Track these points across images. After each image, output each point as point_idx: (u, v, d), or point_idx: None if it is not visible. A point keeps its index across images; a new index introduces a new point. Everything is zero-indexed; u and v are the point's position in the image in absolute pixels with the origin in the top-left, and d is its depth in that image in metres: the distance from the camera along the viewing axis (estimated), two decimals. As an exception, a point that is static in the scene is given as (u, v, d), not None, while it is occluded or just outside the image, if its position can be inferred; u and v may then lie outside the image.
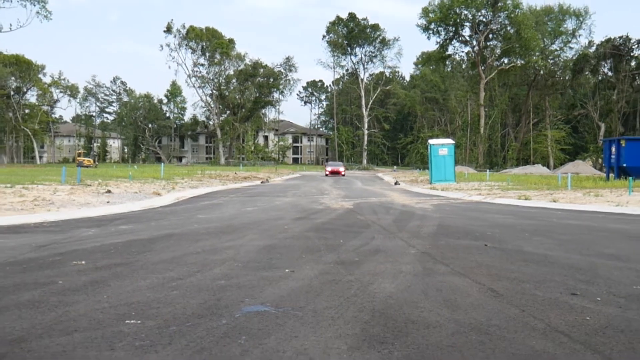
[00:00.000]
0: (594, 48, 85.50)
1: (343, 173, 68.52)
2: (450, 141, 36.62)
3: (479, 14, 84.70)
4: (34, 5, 72.36)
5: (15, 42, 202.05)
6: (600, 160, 63.85)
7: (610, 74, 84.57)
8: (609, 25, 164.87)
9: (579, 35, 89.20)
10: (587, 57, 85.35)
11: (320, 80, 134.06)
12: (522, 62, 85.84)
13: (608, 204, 16.44)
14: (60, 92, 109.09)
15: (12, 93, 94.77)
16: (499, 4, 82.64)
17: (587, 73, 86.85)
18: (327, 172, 67.99)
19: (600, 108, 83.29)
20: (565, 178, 28.86)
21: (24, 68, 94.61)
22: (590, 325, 4.29)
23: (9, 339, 3.87)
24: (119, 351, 3.65)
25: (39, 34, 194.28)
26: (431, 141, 36.87)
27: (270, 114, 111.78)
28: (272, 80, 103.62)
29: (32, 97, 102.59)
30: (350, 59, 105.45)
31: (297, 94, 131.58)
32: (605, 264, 7.01)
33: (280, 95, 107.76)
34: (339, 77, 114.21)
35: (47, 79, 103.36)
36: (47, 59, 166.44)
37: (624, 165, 31.08)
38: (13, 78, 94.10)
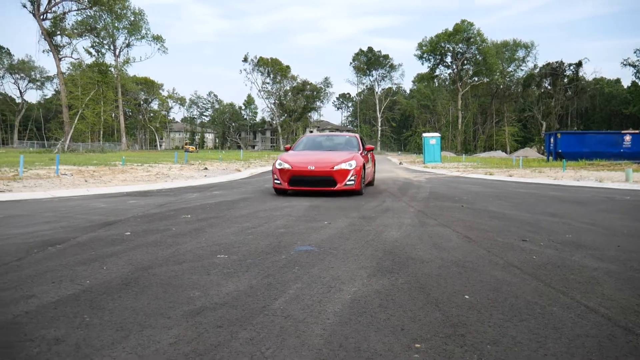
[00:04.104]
0: (538, 69, 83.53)
1: (354, 170, 9.50)
2: (437, 134, 36.30)
3: (457, 47, 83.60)
4: (156, 44, 72.88)
5: (144, 68, 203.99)
6: (542, 147, 62.37)
7: (549, 87, 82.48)
8: (549, 53, 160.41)
9: (528, 61, 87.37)
10: (533, 76, 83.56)
11: (348, 93, 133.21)
12: (487, 80, 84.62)
13: (548, 178, 16.07)
14: (174, 101, 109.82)
15: (142, 103, 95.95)
16: (471, 40, 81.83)
17: (533, 87, 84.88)
18: (292, 172, 9.55)
19: (542, 111, 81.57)
20: (518, 160, 28.32)
21: (149, 86, 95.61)
22: (536, 262, 4.20)
23: (140, 266, 3.93)
24: (213, 276, 3.68)
25: (160, 62, 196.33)
26: (424, 134, 36.59)
27: (314, 116, 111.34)
28: (315, 93, 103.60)
29: (155, 105, 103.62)
30: (368, 78, 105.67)
31: (332, 102, 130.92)
32: (546, 219, 6.85)
33: (320, 103, 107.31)
34: (360, 90, 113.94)
35: (164, 93, 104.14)
36: (165, 79, 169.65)
37: (560, 150, 30.53)
38: (142, 92, 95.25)
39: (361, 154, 10.54)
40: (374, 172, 13.10)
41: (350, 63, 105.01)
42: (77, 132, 62.42)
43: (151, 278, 3.60)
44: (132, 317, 2.78)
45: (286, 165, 9.66)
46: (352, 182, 9.48)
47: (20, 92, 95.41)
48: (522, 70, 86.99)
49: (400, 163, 37.03)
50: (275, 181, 9.83)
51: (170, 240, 5.04)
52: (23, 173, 13.79)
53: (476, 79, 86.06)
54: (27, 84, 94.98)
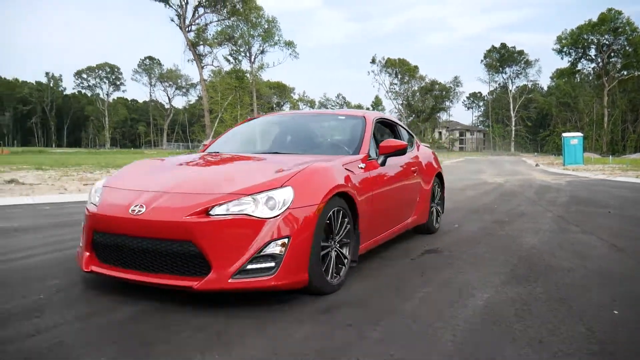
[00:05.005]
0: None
1: (286, 219, 2.91)
2: (579, 134, 33.81)
3: (603, 38, 76.63)
4: (288, 50, 75.65)
5: (277, 73, 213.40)
6: None
7: None
8: None
9: (691, 50, 77.20)
10: (698, 66, 73.89)
11: (479, 92, 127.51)
12: (639, 73, 76.49)
13: None
14: (304, 104, 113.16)
15: (274, 106, 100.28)
16: (619, 30, 74.50)
17: (697, 79, 75.04)
18: None
19: None
20: (676, 162, 25.26)
21: (281, 89, 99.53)
22: (700, 277, 3.71)
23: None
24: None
25: (291, 66, 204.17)
26: (564, 134, 34.27)
27: (443, 116, 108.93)
28: (444, 93, 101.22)
29: (286, 108, 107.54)
30: (501, 76, 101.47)
31: (462, 102, 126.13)
32: None
33: (450, 103, 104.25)
34: (492, 89, 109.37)
35: (295, 96, 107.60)
36: (296, 82, 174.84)
37: None
38: (275, 96, 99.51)
39: (363, 162, 3.99)
40: (434, 200, 5.68)
41: (481, 61, 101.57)
42: (217, 134, 67.01)
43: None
44: (260, 313, 2.93)
45: (95, 202, 3.42)
46: (271, 266, 2.89)
47: (169, 98, 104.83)
48: (683, 61, 77.40)
49: (537, 165, 34.79)
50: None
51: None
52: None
53: (625, 72, 78.19)
54: (174, 91, 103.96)
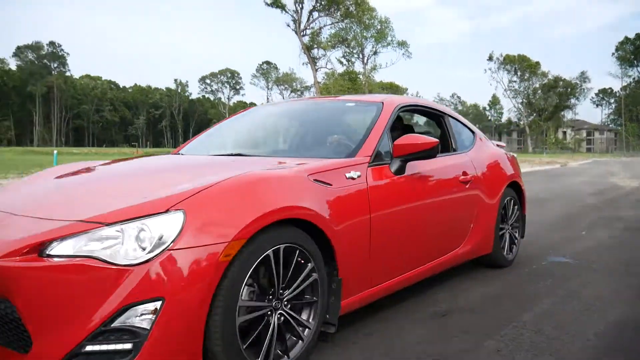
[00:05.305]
0: None
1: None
2: None
3: None
4: (401, 50, 74.91)
5: (389, 74, 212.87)
6: None
7: None
8: None
9: None
10: None
11: (610, 88, 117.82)
12: None
13: None
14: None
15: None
16: None
17: None
18: None
19: None
20: None
21: (394, 90, 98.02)
22: None
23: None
24: (458, 279, 3.64)
25: (404, 67, 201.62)
26: None
27: (568, 115, 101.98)
28: (569, 90, 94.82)
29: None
30: (636, 69, 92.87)
31: (590, 99, 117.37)
32: None
33: (575, 101, 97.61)
34: (625, 84, 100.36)
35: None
36: (409, 83, 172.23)
37: None
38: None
39: (359, 168, 2.63)
40: (505, 221, 4.08)
41: (613, 54, 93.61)
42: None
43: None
44: (375, 313, 2.93)
45: None
46: (127, 348, 1.69)
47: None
48: None
49: (678, 167, 31.42)
50: None
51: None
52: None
53: None
54: (290, 94, 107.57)
